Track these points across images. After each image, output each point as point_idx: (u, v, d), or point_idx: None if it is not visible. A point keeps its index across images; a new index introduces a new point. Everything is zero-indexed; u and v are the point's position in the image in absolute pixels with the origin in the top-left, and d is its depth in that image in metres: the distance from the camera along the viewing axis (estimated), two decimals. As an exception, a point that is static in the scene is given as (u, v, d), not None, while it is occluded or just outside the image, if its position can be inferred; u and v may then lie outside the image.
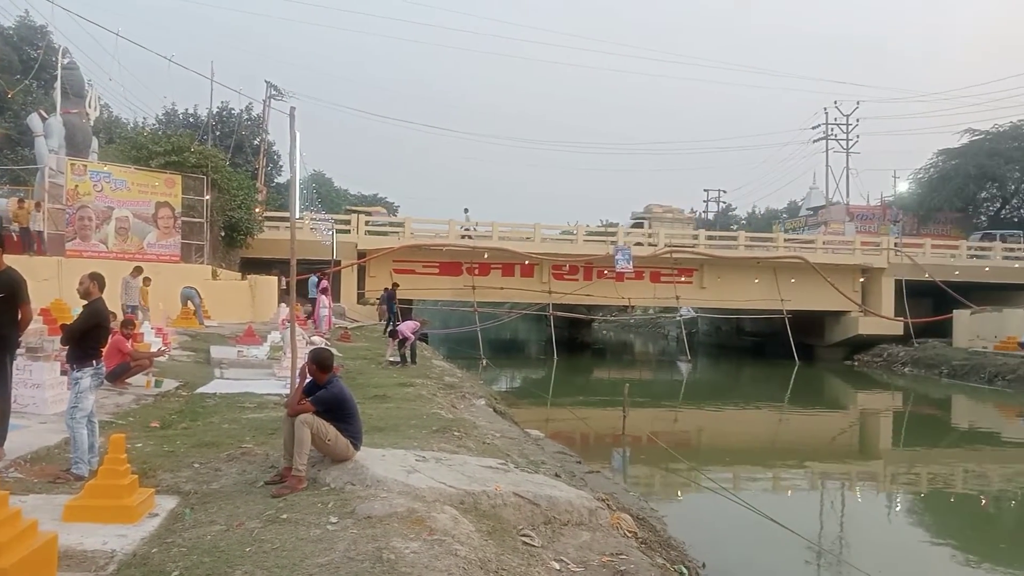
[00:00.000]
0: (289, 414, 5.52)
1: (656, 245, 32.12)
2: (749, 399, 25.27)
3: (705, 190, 71.62)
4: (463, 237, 31.24)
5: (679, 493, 11.66)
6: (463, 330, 34.18)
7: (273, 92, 35.15)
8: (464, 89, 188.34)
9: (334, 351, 14.85)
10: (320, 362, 5.57)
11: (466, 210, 34.26)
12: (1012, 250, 35.32)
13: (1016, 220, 46.20)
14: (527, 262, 31.62)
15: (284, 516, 4.60)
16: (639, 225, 39.23)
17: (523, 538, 4.81)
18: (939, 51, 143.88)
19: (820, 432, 19.91)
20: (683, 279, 32.92)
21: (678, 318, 37.24)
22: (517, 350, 44.49)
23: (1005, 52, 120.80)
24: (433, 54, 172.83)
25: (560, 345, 32.78)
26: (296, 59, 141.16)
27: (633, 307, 40.48)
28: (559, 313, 33.37)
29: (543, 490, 5.39)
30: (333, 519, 4.53)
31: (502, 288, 31.75)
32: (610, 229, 36.27)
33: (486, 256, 30.76)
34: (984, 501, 12.55)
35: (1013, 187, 46.56)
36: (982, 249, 35.99)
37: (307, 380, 5.68)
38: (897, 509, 11.89)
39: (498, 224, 32.98)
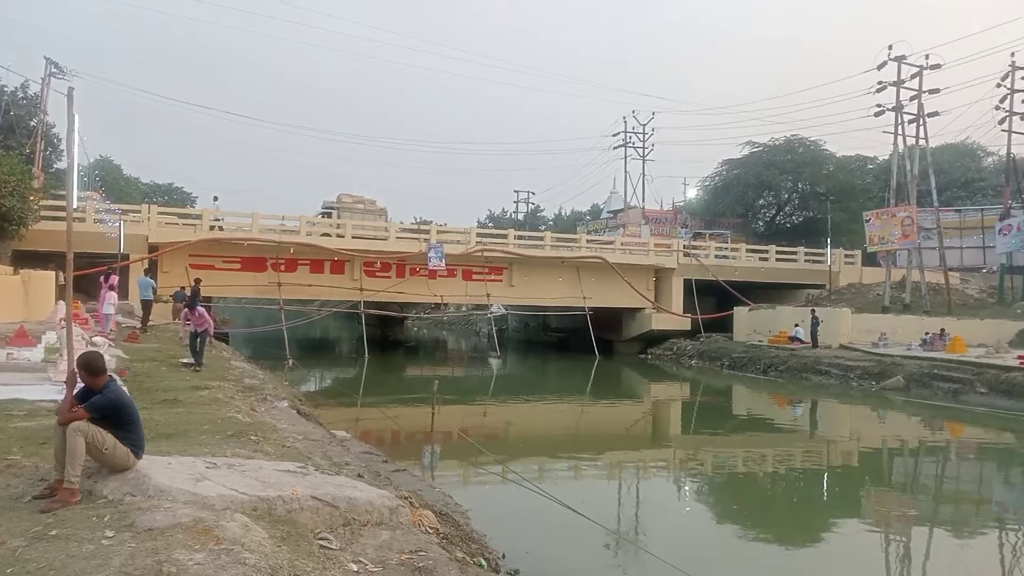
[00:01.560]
0: (60, 422, 5.00)
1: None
2: (554, 392, 26.32)
3: (515, 191, 73.76)
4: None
5: (485, 487, 11.87)
6: (268, 329, 32.79)
7: (54, 70, 31.93)
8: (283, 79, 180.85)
9: (120, 352, 13.74)
10: (88, 366, 5.09)
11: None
12: (785, 254, 39.26)
13: (789, 226, 51.45)
14: (336, 258, 30.89)
15: (53, 532, 4.17)
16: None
17: (320, 541, 4.67)
18: (720, 70, 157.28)
19: (618, 422, 21.09)
20: (494, 277, 33.63)
21: (489, 315, 37.97)
22: (327, 349, 43.38)
23: (782, 73, 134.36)
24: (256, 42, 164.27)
25: (372, 343, 32.37)
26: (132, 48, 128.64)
27: (446, 304, 40.80)
28: (371, 311, 32.93)
29: (343, 492, 5.27)
30: (109, 533, 4.16)
31: (310, 285, 30.78)
32: (423, 227, 36.25)
33: (292, 251, 29.69)
34: (761, 481, 13.88)
35: (786, 195, 51.76)
36: (761, 252, 39.68)
37: (80, 386, 5.18)
38: (687, 492, 12.82)
39: (306, 218, 31.98)
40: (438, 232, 33.65)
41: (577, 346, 35.37)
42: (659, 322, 34.89)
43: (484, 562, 5.82)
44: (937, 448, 17.34)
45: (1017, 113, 34.66)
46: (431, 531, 5.31)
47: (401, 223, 39.93)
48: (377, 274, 31.91)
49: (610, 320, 35.44)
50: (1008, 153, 36.60)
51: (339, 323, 55.58)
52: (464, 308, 45.60)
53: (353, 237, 31.64)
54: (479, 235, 35.09)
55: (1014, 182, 35.85)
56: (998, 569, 8.86)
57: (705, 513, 11.56)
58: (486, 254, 32.74)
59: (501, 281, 33.92)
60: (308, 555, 4.28)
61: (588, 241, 38.06)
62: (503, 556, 6.81)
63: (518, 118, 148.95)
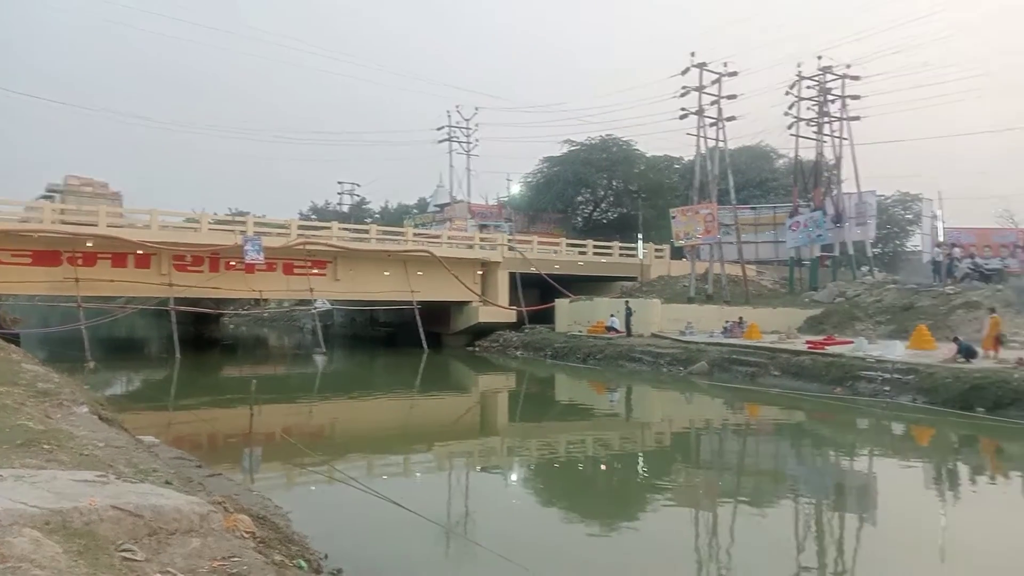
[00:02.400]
0: None
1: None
2: (382, 388, 26.00)
3: (339, 182, 71.98)
4: None
5: (310, 488, 11.50)
6: (65, 328, 29.94)
7: None
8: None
9: None
10: None
11: None
12: (602, 248, 41.10)
13: (605, 221, 53.95)
14: (142, 252, 28.74)
15: None
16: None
17: (123, 553, 4.31)
18: (542, 70, 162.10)
19: (446, 415, 21.18)
20: (317, 271, 32.68)
21: (313, 311, 36.90)
22: (135, 350, 40.28)
23: (598, 75, 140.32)
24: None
25: (185, 343, 30.46)
26: None
27: (267, 300, 39.18)
28: (182, 308, 30.97)
29: (148, 500, 4.89)
30: None
31: (113, 281, 28.47)
32: (239, 218, 34.54)
33: (90, 244, 27.27)
34: (584, 465, 14.44)
35: (602, 192, 54.24)
36: (580, 247, 41.25)
37: None
38: (514, 481, 13.06)
39: (106, 208, 29.47)
40: (255, 224, 32.21)
41: (406, 340, 35.18)
42: (486, 315, 35.44)
43: (304, 563, 5.62)
44: (738, 427, 18.85)
45: (803, 119, 38.29)
46: (247, 536, 5.04)
47: (215, 214, 37.78)
48: (188, 268, 30.05)
49: (438, 314, 35.56)
50: (796, 156, 40.50)
51: (148, 321, 51.81)
52: (286, 304, 44.04)
53: (161, 228, 29.59)
54: (301, 227, 34.03)
55: (801, 182, 39.63)
56: (793, 538, 9.74)
57: (532, 500, 11.84)
58: (308, 247, 31.76)
59: (325, 275, 33.04)
60: (109, 568, 3.94)
61: (415, 235, 37.96)
62: (325, 556, 6.62)
63: (349, 109, 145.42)
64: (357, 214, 70.81)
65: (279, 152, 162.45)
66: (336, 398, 23.47)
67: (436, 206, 59.59)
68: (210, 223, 32.20)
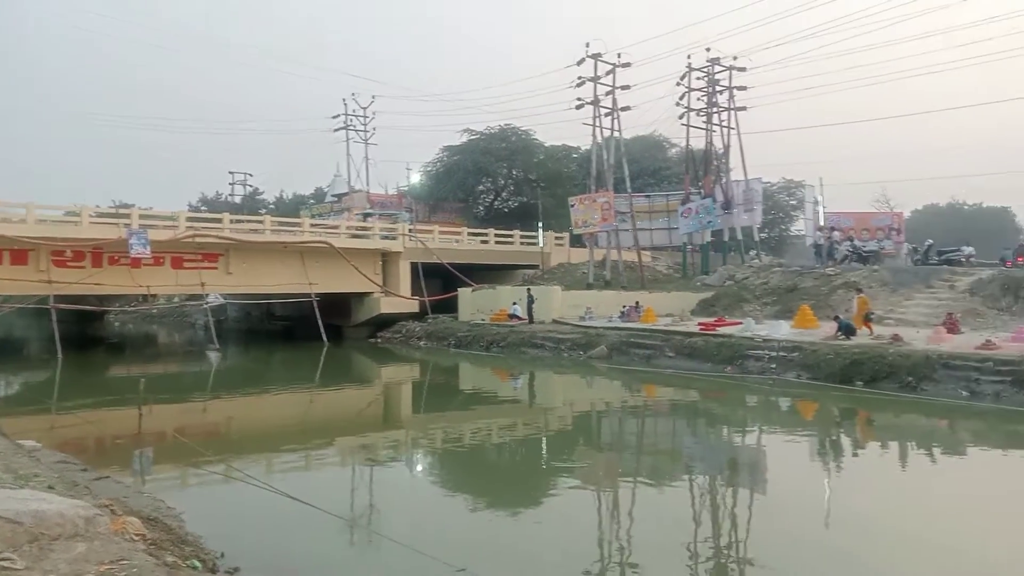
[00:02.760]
0: None
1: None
2: (280, 383, 25.37)
3: (231, 172, 69.50)
4: None
5: (205, 488, 11.12)
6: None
7: None
8: None
9: None
10: None
11: None
12: (503, 237, 41.34)
13: (506, 210, 54.23)
14: (16, 247, 26.98)
15: None
16: None
17: (2, 562, 4.08)
18: (441, 58, 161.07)
19: (349, 408, 20.89)
20: (208, 264, 31.50)
21: (205, 305, 35.57)
22: (13, 351, 37.73)
23: (498, 64, 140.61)
24: None
25: (68, 342, 28.82)
26: None
27: (155, 296, 37.48)
28: (63, 306, 29.28)
29: (28, 505, 4.63)
30: None
31: (-16, 279, 26.62)
32: (123, 211, 32.88)
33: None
34: (489, 452, 14.54)
35: (503, 181, 54.49)
36: (482, 236, 41.31)
37: None
38: (420, 471, 13.02)
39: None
40: (141, 216, 30.74)
41: (304, 334, 34.40)
42: (388, 305, 35.07)
43: (199, 563, 5.45)
44: (637, 408, 19.41)
45: (694, 110, 39.59)
46: (137, 538, 4.85)
47: (97, 206, 35.86)
48: (69, 264, 28.42)
49: (338, 305, 34.94)
50: (687, 145, 41.85)
51: (26, 321, 48.63)
52: (177, 299, 42.24)
53: (38, 222, 27.85)
54: (190, 219, 32.70)
55: (692, 170, 40.99)
56: (691, 512, 10.14)
57: (438, 490, 11.82)
58: (198, 240, 30.56)
59: (217, 268, 31.88)
60: (-17, 582, 3.72)
61: (312, 225, 37.11)
62: (221, 555, 6.44)
63: (242, 94, 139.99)
64: (250, 205, 68.63)
65: (166, 140, 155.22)
66: (231, 395, 22.73)
67: (334, 196, 58.43)
68: (92, 216, 30.51)
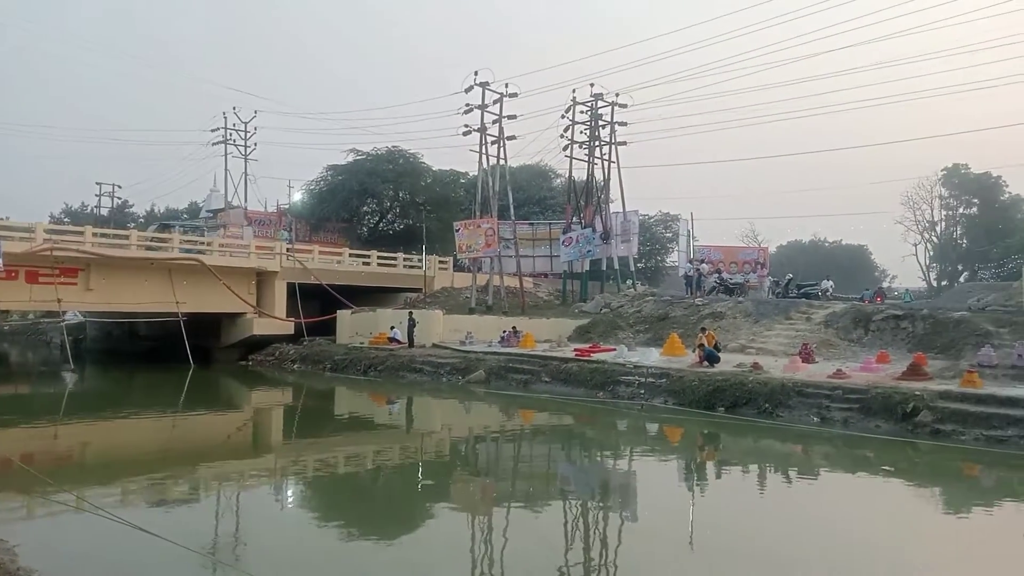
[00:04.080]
0: None
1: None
2: (141, 407, 23.94)
3: (98, 183, 65.52)
4: None
5: (49, 520, 10.34)
6: None
7: None
8: None
9: None
10: None
11: None
12: (386, 259, 40.92)
13: (391, 232, 53.71)
14: None
15: None
16: None
17: None
18: (326, 77, 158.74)
19: (215, 434, 19.98)
20: (66, 280, 29.50)
21: (63, 323, 33.28)
22: None
23: (386, 86, 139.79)
24: None
25: None
26: None
27: (7, 312, 34.77)
28: None
29: None
30: None
31: None
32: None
33: None
34: (363, 479, 14.27)
35: (388, 203, 53.95)
36: (364, 257, 40.73)
37: None
38: (290, 500, 12.59)
39: None
40: None
41: (170, 355, 32.66)
42: (261, 327, 33.88)
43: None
44: (513, 433, 19.58)
45: (577, 142, 40.73)
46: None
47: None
48: (-96, 277, 25.96)
49: (208, 326, 33.45)
50: (570, 176, 42.94)
51: None
52: (32, 315, 39.26)
53: None
54: (48, 231, 30.60)
55: (574, 201, 42.04)
56: (562, 534, 10.30)
57: (309, 520, 11.39)
58: (57, 253, 28.60)
59: (76, 284, 29.89)
60: None
61: (183, 241, 35.49)
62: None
63: (114, 105, 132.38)
64: (118, 218, 64.96)
65: (30, 148, 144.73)
66: (86, 420, 21.31)
67: (209, 211, 56.19)
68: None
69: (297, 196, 53.67)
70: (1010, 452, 14.68)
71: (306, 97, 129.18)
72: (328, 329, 34.94)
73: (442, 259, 43.83)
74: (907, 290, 48.43)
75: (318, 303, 36.46)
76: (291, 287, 35.03)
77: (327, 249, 41.31)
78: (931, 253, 66.05)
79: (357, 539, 10.18)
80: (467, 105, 37.16)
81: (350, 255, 40.38)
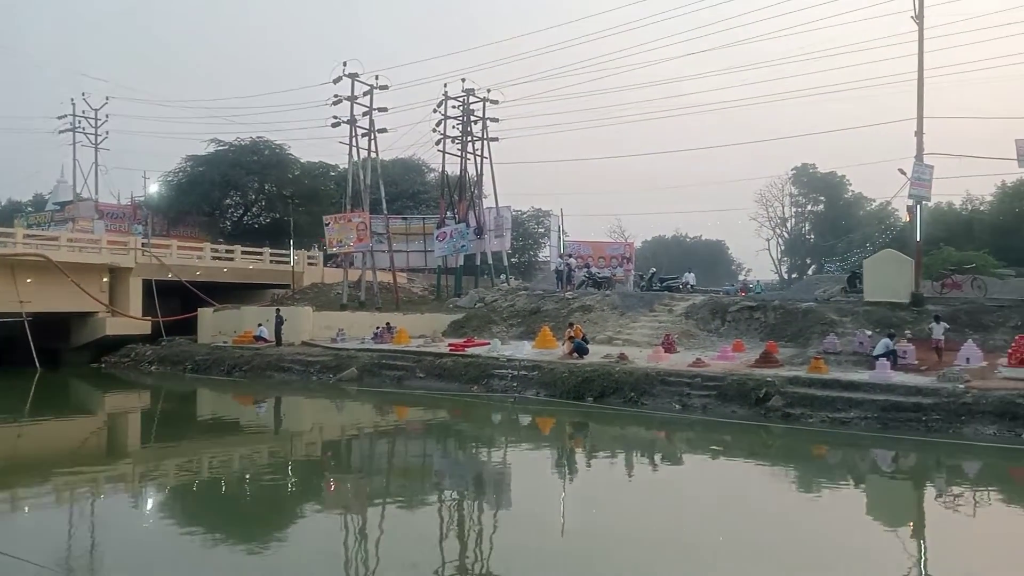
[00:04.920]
0: None
1: None
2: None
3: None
4: None
5: None
6: None
7: None
8: None
9: None
10: None
11: None
12: (251, 254, 39.48)
13: (257, 226, 51.78)
14: None
15: None
16: None
17: None
18: (187, 65, 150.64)
19: (65, 441, 18.69)
20: None
21: None
22: None
23: (251, 75, 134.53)
24: None
25: None
26: None
27: None
28: None
29: None
30: None
31: None
32: None
33: None
34: (229, 483, 13.77)
35: (253, 196, 52.03)
36: (227, 252, 39.14)
37: None
38: (149, 508, 11.95)
39: None
40: None
41: (13, 358, 30.12)
42: (115, 327, 31.89)
43: None
44: (386, 430, 19.45)
45: (449, 137, 40.68)
46: None
47: None
48: None
49: (56, 327, 31.14)
50: (443, 170, 42.93)
51: None
52: None
53: None
54: None
55: (448, 196, 42.07)
56: (436, 529, 10.36)
57: (169, 528, 10.84)
58: None
59: (-102, 283, 27.16)
60: None
61: (26, 236, 32.86)
62: None
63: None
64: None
65: None
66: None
67: (56, 204, 52.34)
68: None
69: (154, 188, 50.94)
70: (852, 432, 16.00)
71: (160, 85, 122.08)
72: (189, 328, 33.38)
73: (311, 254, 42.76)
74: (758, 282, 51.71)
75: (178, 301, 34.73)
76: (147, 284, 33.20)
77: (187, 244, 39.40)
78: (782, 248, 70.76)
79: (223, 545, 9.85)
80: (336, 96, 36.36)
81: (212, 250, 38.67)
